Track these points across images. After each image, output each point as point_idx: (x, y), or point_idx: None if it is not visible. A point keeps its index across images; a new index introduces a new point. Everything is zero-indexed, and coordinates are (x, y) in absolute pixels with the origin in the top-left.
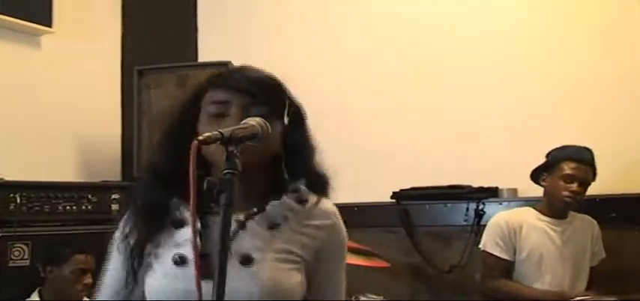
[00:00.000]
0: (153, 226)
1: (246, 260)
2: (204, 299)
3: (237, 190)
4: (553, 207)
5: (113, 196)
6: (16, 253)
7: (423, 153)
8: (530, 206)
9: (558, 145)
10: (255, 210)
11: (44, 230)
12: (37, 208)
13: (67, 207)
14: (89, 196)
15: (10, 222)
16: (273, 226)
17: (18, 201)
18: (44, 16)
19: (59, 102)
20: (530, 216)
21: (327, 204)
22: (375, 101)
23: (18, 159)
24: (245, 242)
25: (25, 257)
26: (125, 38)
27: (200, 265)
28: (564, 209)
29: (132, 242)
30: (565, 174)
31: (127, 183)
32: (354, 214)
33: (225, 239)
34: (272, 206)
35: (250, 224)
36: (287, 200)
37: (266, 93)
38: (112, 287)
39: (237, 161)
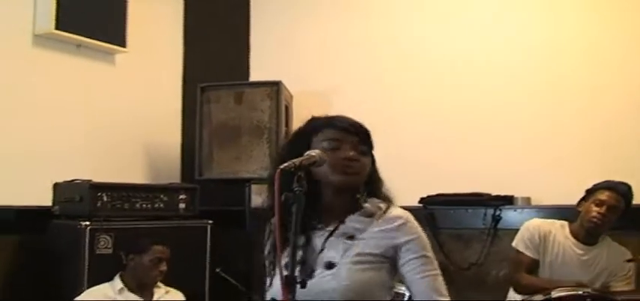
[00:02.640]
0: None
1: (330, 266)
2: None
3: (334, 205)
4: (582, 229)
5: (180, 196)
6: (102, 243)
7: (448, 164)
8: (544, 214)
9: (568, 160)
10: (335, 225)
11: (124, 224)
12: (118, 205)
13: (143, 205)
14: (161, 196)
15: (97, 217)
16: (349, 237)
17: (104, 199)
18: (119, 38)
19: (129, 113)
20: (560, 231)
21: (396, 211)
22: (408, 118)
23: (93, 161)
24: (329, 251)
25: (109, 246)
26: (186, 56)
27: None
28: (591, 230)
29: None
30: (597, 199)
31: (193, 185)
32: None
33: (296, 236)
34: (347, 222)
35: (332, 238)
36: (355, 216)
37: (366, 136)
38: None
39: (304, 182)
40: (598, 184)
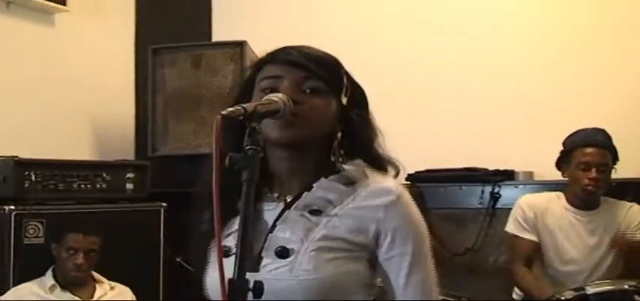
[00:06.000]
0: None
1: (283, 254)
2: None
3: (286, 169)
4: (577, 197)
5: (128, 175)
6: (31, 231)
7: (438, 135)
8: (548, 189)
9: (574, 128)
10: (295, 194)
11: (59, 208)
12: (51, 186)
13: (82, 185)
14: (103, 175)
15: (25, 200)
16: (314, 212)
17: (33, 178)
18: None
19: (73, 80)
20: (557, 202)
21: (387, 182)
22: (391, 82)
23: (31, 137)
24: (284, 232)
25: (40, 235)
26: (139, 16)
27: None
28: (588, 198)
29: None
30: (580, 162)
31: (142, 162)
32: None
33: (247, 217)
34: (314, 188)
35: (290, 213)
36: (327, 182)
37: (320, 69)
38: None
39: (259, 137)
40: (572, 140)
